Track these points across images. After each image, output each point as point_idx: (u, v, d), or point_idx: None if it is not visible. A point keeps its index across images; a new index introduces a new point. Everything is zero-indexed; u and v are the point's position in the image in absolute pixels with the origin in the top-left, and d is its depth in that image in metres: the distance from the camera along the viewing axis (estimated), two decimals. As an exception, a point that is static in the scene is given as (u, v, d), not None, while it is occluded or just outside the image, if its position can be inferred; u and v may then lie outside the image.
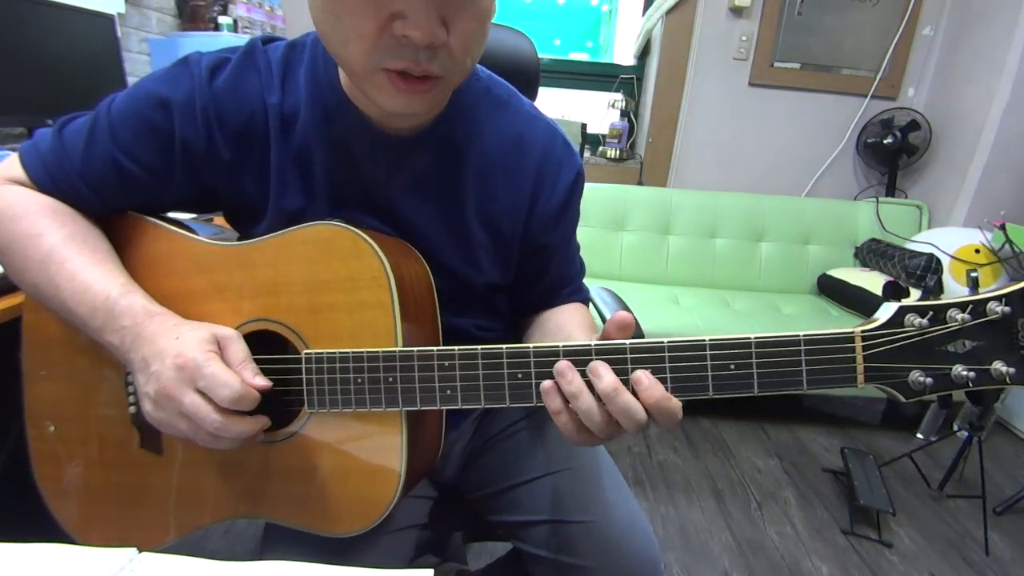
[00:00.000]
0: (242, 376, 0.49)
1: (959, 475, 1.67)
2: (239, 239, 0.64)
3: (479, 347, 0.48)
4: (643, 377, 0.44)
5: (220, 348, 0.50)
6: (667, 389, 0.45)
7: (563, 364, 0.46)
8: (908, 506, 1.63)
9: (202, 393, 0.47)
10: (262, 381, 0.50)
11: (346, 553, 0.59)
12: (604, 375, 0.44)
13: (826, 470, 1.78)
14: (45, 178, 0.57)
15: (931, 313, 0.42)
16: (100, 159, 0.56)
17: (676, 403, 0.45)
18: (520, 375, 0.48)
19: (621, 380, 0.45)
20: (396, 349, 0.51)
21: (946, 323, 0.42)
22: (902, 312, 0.43)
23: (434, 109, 0.52)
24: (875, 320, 0.44)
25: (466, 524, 0.85)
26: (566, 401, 0.46)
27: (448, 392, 0.49)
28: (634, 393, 0.44)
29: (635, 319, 0.93)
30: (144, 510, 0.60)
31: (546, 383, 0.46)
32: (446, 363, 0.49)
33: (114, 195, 0.58)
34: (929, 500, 1.66)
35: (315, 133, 0.58)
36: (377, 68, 0.47)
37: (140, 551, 0.38)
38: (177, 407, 0.47)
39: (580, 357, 0.46)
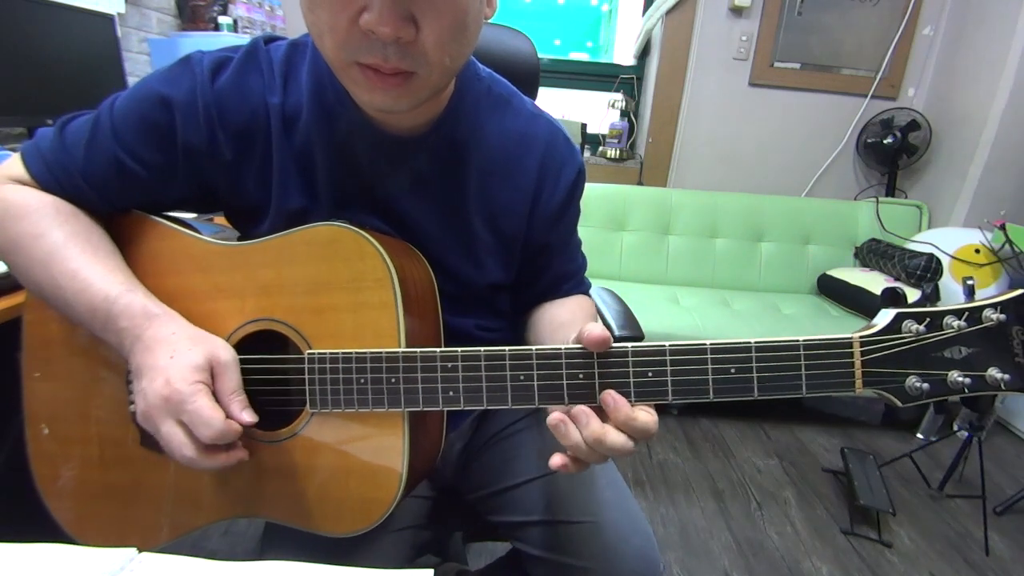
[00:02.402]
0: (229, 409, 0.49)
1: (959, 475, 1.67)
2: (240, 239, 0.64)
3: (482, 349, 0.49)
4: (608, 398, 0.46)
5: (214, 374, 0.50)
6: (668, 392, 0.46)
7: (555, 418, 0.46)
8: (908, 506, 1.63)
9: (184, 425, 0.48)
10: (249, 416, 0.49)
11: (346, 553, 0.59)
12: (589, 424, 0.45)
13: (826, 470, 1.78)
14: (47, 177, 0.57)
15: (928, 320, 0.43)
16: (102, 158, 0.56)
17: (642, 420, 0.45)
18: (523, 377, 0.48)
19: (621, 382, 0.45)
20: (399, 350, 0.51)
21: (943, 330, 0.43)
22: (900, 319, 0.44)
23: (416, 105, 0.51)
24: (873, 326, 0.44)
25: (466, 524, 0.85)
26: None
27: (451, 393, 0.50)
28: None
29: (632, 315, 0.93)
30: (144, 509, 0.60)
31: (556, 461, 0.47)
32: (449, 364, 0.49)
33: (116, 194, 0.58)
34: (929, 500, 1.66)
35: (317, 133, 0.58)
36: (350, 62, 0.47)
37: (140, 551, 0.38)
38: (155, 432, 0.48)
39: (582, 360, 0.47)
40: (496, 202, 0.64)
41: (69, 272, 0.53)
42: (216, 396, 0.49)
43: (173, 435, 0.47)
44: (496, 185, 0.63)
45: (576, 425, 0.46)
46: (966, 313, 0.43)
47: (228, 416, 0.49)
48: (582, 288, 0.75)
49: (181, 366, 0.48)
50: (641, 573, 0.63)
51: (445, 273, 0.62)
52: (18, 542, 0.37)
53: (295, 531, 0.57)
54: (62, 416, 0.62)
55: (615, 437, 0.45)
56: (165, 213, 0.63)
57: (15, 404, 0.63)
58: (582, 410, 0.46)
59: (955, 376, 0.43)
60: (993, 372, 0.42)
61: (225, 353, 0.51)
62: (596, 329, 0.46)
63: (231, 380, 0.50)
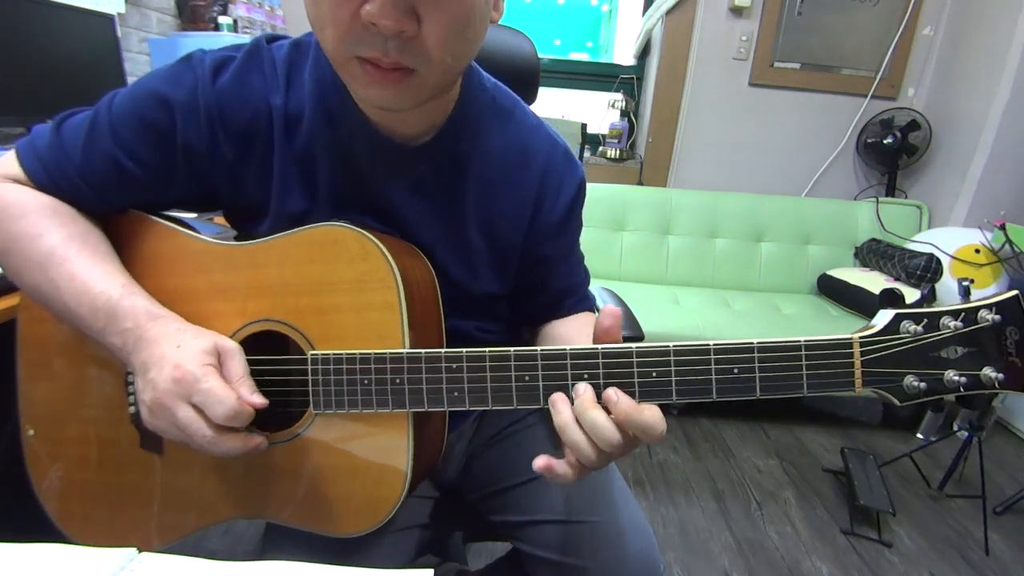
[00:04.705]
0: (239, 392, 0.48)
1: (959, 475, 1.67)
2: (237, 238, 0.64)
3: (487, 350, 0.48)
4: (612, 394, 0.45)
5: (220, 361, 0.50)
6: (672, 392, 0.46)
7: (556, 396, 0.47)
8: (908, 506, 1.63)
9: (197, 407, 0.47)
10: (259, 399, 0.49)
11: (347, 553, 0.59)
12: (582, 393, 0.46)
13: (826, 470, 1.78)
14: (43, 176, 0.56)
15: (925, 320, 0.44)
16: (100, 158, 0.55)
17: (648, 417, 0.44)
18: (528, 377, 0.48)
19: (626, 382, 0.45)
20: (404, 351, 0.51)
21: (939, 330, 0.44)
22: (898, 319, 0.44)
23: (416, 105, 0.50)
24: (872, 327, 0.45)
25: (466, 524, 0.85)
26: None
27: (455, 394, 0.50)
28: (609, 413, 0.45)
29: (632, 315, 0.93)
30: (144, 511, 0.60)
31: (539, 463, 0.48)
32: (454, 365, 0.49)
33: (114, 194, 0.58)
34: (929, 500, 1.67)
35: (319, 135, 0.58)
36: (350, 56, 0.46)
37: (140, 551, 0.38)
38: (171, 417, 0.47)
39: (587, 360, 0.47)
40: (494, 213, 0.64)
41: (68, 274, 0.52)
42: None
43: (190, 419, 0.47)
44: (495, 196, 0.63)
45: (574, 395, 0.46)
46: (962, 314, 0.44)
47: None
48: (586, 304, 0.75)
49: (190, 351, 0.49)
50: (641, 573, 0.63)
51: (443, 279, 0.61)
52: (18, 542, 0.37)
53: (296, 531, 0.57)
54: (57, 417, 0.62)
55: (607, 424, 0.44)
56: (164, 212, 0.62)
57: (14, 404, 0.63)
58: (582, 383, 0.46)
59: (951, 375, 0.44)
60: (988, 371, 0.43)
61: (231, 343, 0.52)
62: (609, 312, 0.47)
63: (238, 365, 0.51)
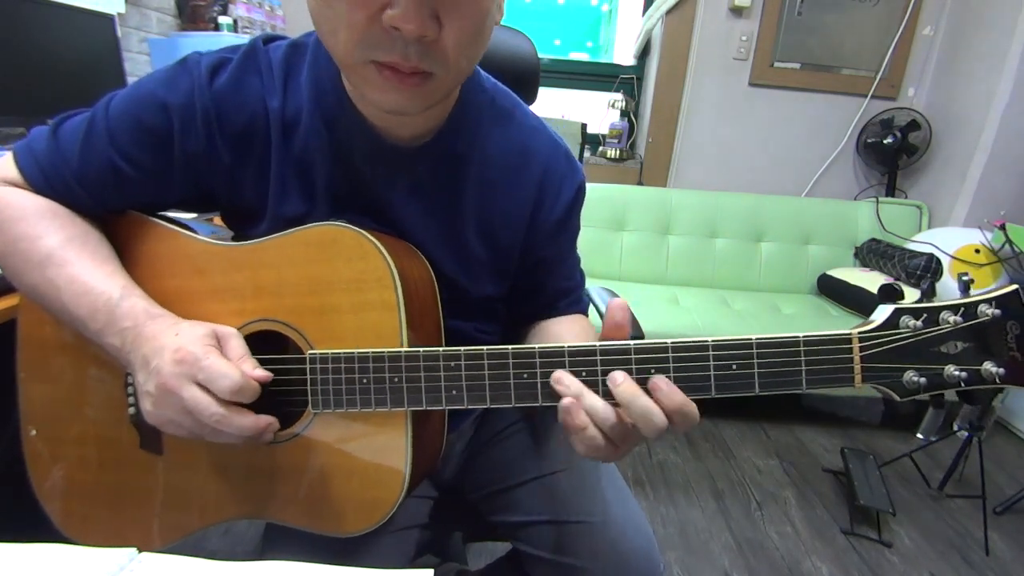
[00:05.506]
0: (241, 370, 0.48)
1: (959, 475, 1.67)
2: (234, 238, 0.64)
3: (484, 348, 0.48)
4: (661, 383, 0.45)
5: (219, 344, 0.51)
6: None
7: (558, 373, 0.46)
8: (908, 506, 1.63)
9: (202, 386, 0.47)
10: (261, 372, 0.50)
11: (347, 553, 0.59)
12: (622, 381, 0.45)
13: (826, 470, 1.78)
14: (40, 179, 0.56)
15: (925, 315, 0.44)
16: (97, 162, 0.55)
17: (694, 406, 0.45)
18: (526, 375, 0.48)
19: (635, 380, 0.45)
20: (402, 349, 0.51)
21: (939, 325, 0.44)
22: (897, 314, 0.44)
23: (427, 108, 0.51)
24: (872, 322, 0.45)
25: (466, 524, 0.85)
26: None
27: (454, 392, 0.49)
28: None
29: (632, 315, 0.93)
30: (144, 511, 0.60)
31: (566, 400, 0.46)
32: (452, 363, 0.49)
33: (111, 197, 0.57)
34: (929, 500, 1.67)
35: (317, 139, 0.57)
36: (365, 60, 0.45)
37: (140, 551, 0.38)
38: (178, 402, 0.47)
39: (585, 358, 0.47)
40: (494, 213, 0.63)
41: (67, 276, 0.52)
42: None
43: (198, 398, 0.47)
44: (494, 198, 0.63)
45: (612, 386, 0.45)
46: (962, 308, 0.43)
47: None
48: (580, 307, 0.75)
49: (189, 336, 0.49)
50: (641, 573, 0.63)
51: (441, 281, 0.61)
52: (18, 542, 0.37)
53: (296, 531, 0.56)
54: (58, 417, 0.62)
55: (647, 402, 0.44)
56: (163, 213, 0.62)
57: (14, 404, 0.63)
58: (619, 372, 0.45)
59: (951, 370, 0.44)
60: (988, 366, 0.43)
61: (228, 328, 0.53)
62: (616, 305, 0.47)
63: (238, 346, 0.51)
